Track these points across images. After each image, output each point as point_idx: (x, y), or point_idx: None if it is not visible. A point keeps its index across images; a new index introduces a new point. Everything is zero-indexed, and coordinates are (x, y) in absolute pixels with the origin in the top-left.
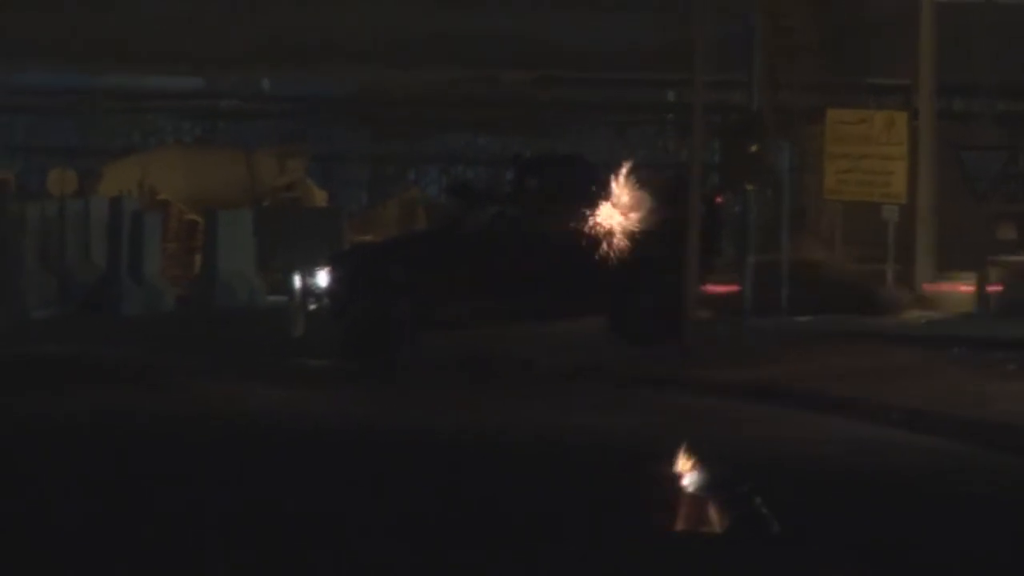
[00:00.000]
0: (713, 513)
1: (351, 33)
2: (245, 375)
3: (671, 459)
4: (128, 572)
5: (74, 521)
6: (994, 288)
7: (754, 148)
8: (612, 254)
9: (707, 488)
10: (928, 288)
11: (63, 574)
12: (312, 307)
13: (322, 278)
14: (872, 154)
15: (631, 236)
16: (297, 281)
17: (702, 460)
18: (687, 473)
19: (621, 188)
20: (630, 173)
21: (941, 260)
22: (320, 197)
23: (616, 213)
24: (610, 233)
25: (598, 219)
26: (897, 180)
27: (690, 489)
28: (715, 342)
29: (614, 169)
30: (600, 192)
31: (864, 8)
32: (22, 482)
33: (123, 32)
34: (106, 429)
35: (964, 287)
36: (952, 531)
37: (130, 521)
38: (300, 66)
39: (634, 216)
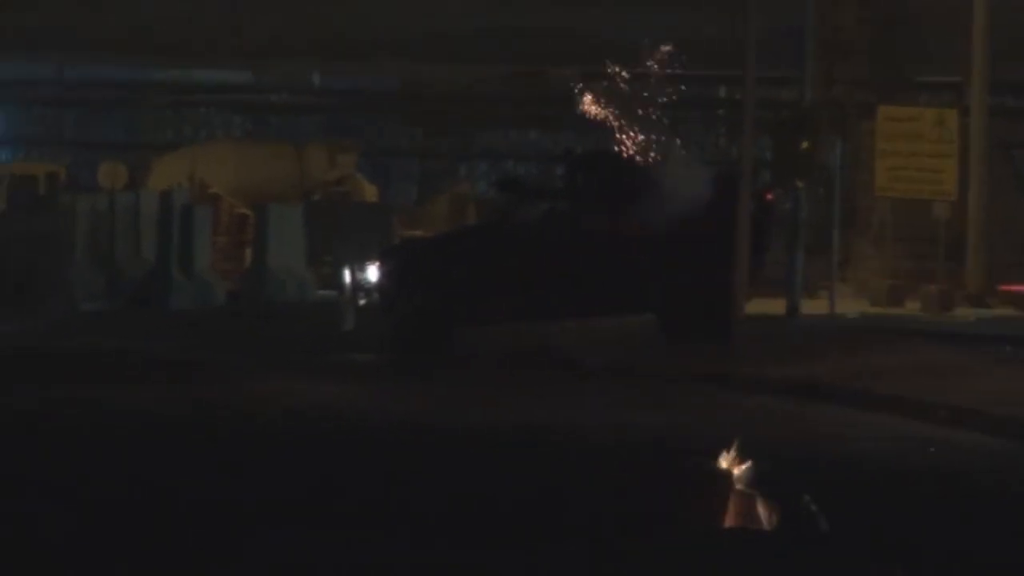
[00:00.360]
0: (762, 510)
1: (401, 28)
2: (295, 370)
3: (719, 456)
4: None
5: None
6: None
7: (805, 145)
8: (661, 251)
9: (755, 485)
10: (1005, 289)
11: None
12: (362, 302)
13: (372, 273)
14: (922, 151)
15: (679, 233)
16: (347, 276)
17: (749, 457)
18: (735, 470)
19: (671, 184)
20: (680, 169)
21: (991, 258)
22: (370, 192)
23: (665, 209)
24: (659, 230)
25: (647, 215)
26: (947, 178)
27: (738, 486)
28: (760, 340)
29: (664, 165)
30: (650, 188)
31: (915, 5)
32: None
33: (170, 26)
34: (159, 424)
35: None
36: (990, 527)
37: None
38: (351, 60)
39: (683, 213)
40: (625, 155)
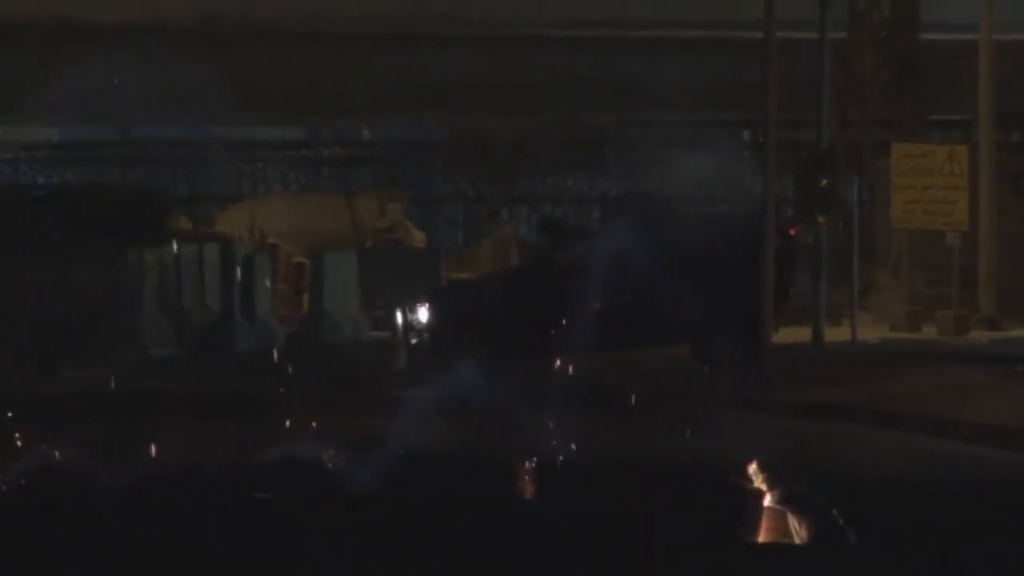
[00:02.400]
0: (792, 525)
1: (445, 81)
2: (350, 405)
3: (753, 475)
4: None
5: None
6: None
7: (825, 182)
8: (691, 285)
9: (785, 502)
10: None
11: None
12: (414, 341)
13: (422, 314)
14: (935, 185)
15: (710, 268)
16: (399, 317)
17: (781, 476)
18: (768, 488)
19: (700, 223)
20: (706, 209)
21: (1001, 284)
22: (419, 238)
23: (696, 246)
24: (690, 265)
25: (679, 252)
26: (959, 209)
27: (771, 502)
28: (786, 366)
29: (693, 205)
30: (680, 227)
31: (925, 49)
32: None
33: (230, 84)
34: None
35: None
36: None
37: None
38: (400, 115)
39: (712, 249)
40: (656, 197)
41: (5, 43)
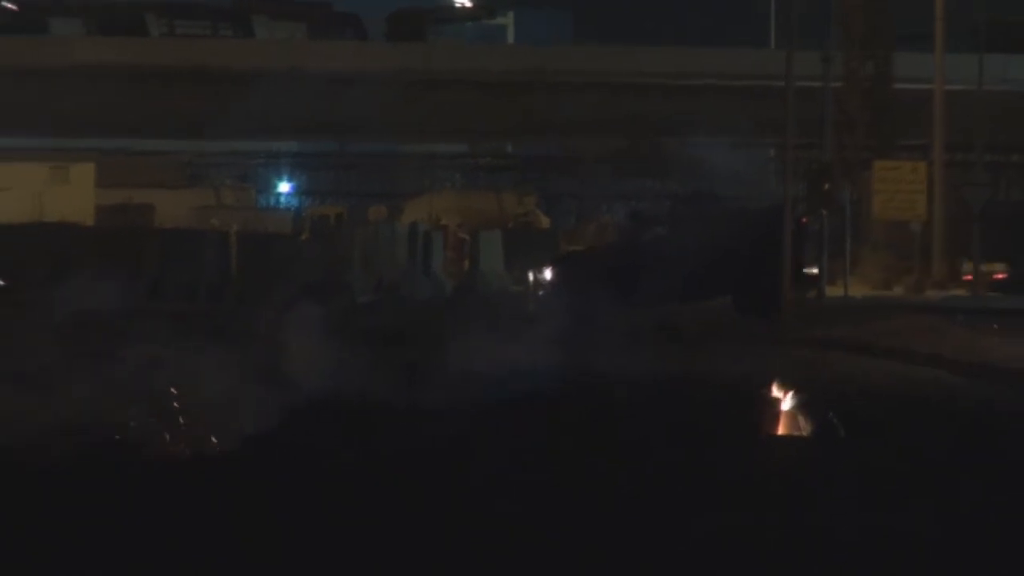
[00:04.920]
0: (801, 423)
1: (559, 114)
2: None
3: (774, 388)
4: None
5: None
6: (999, 276)
7: (827, 187)
8: (735, 257)
9: (796, 407)
10: (967, 279)
11: None
12: (540, 293)
13: (547, 274)
14: (903, 189)
15: (747, 245)
16: (530, 276)
17: (795, 389)
18: (785, 397)
19: (740, 213)
20: (744, 204)
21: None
22: (545, 222)
23: (736, 230)
24: (733, 243)
25: (725, 234)
26: (919, 206)
27: (786, 407)
28: (802, 313)
29: (735, 201)
30: (727, 216)
31: (896, 95)
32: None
33: (418, 116)
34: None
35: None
36: (952, 433)
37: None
38: (531, 136)
39: (748, 232)
40: (710, 195)
41: (266, 86)
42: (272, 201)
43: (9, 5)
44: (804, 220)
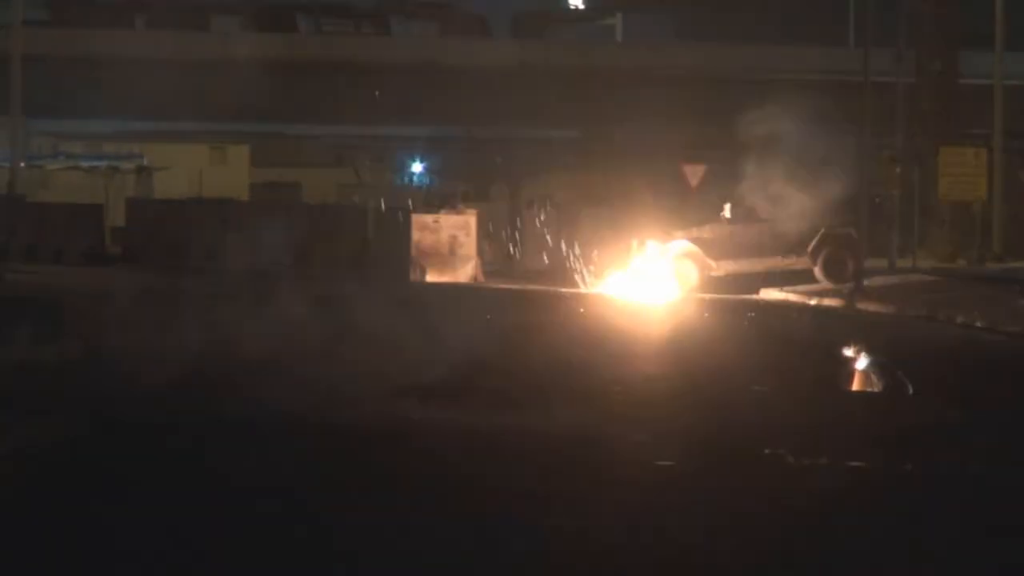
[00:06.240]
0: (874, 380)
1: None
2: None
3: (848, 349)
4: None
5: None
6: None
7: (898, 170)
8: (819, 234)
9: (870, 366)
10: None
11: None
12: None
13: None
14: (967, 173)
15: (830, 223)
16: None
17: (867, 350)
18: (858, 358)
19: (828, 197)
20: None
21: (1008, 236)
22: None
23: (821, 211)
24: (818, 222)
25: (812, 216)
26: (980, 188)
27: (859, 365)
28: (875, 282)
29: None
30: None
31: (961, 89)
32: None
33: (536, 106)
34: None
35: None
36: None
37: None
38: (638, 125)
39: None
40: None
41: (399, 78)
42: (406, 180)
43: None
44: (877, 199)
